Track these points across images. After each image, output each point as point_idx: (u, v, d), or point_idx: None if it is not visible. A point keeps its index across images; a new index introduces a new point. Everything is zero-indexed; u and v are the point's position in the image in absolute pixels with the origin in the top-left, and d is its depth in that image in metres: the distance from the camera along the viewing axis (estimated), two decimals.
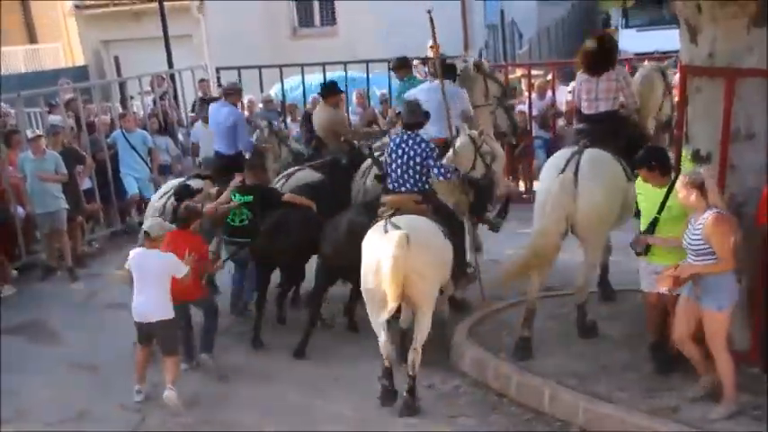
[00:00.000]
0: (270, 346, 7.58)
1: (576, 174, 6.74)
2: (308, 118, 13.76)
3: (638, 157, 6.16)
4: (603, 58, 7.52)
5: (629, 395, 5.87)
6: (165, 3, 15.78)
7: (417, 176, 6.95)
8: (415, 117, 7.12)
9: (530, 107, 12.77)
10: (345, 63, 13.86)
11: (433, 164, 6.96)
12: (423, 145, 6.96)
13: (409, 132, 7.04)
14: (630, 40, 22.46)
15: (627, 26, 24.14)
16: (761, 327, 5.89)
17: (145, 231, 6.79)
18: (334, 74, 14.16)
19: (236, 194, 7.97)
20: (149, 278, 6.55)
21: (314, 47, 18.27)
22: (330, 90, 9.89)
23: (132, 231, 12.07)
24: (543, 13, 25.98)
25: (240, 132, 9.20)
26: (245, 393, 6.80)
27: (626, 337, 6.83)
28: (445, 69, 8.82)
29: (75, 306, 9.22)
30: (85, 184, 11.26)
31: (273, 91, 15.13)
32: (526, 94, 13.18)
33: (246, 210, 7.89)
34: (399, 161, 6.98)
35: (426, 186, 7.05)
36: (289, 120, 14.06)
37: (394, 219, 6.41)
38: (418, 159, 6.92)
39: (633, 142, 7.15)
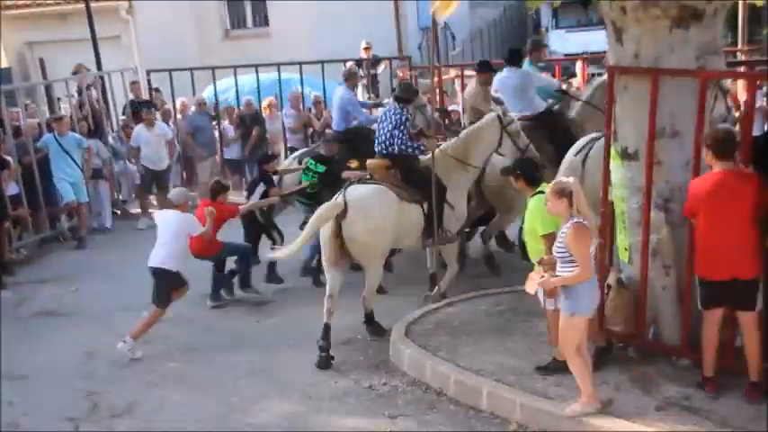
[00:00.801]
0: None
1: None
2: (243, 120, 13.71)
3: (507, 166, 6.76)
4: None
5: (565, 390, 5.95)
6: (92, 3, 15.43)
7: (389, 142, 8.04)
8: (405, 94, 8.35)
9: (463, 108, 12.86)
10: (279, 65, 13.79)
11: (397, 133, 7.99)
12: (397, 115, 8.05)
13: (396, 104, 8.17)
14: (560, 42, 22.90)
15: (557, 27, 24.60)
16: (689, 320, 6.04)
17: (168, 198, 8.40)
18: (268, 75, 14.11)
19: (313, 163, 9.22)
20: (167, 233, 7.75)
21: (246, 48, 18.13)
22: (482, 66, 10.39)
23: (64, 238, 11.82)
24: (476, 16, 26.22)
25: (354, 112, 10.97)
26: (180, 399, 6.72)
27: None
28: (512, 54, 9.83)
29: (2, 315, 8.95)
30: (12, 189, 10.94)
31: (206, 93, 14.98)
32: (460, 94, 13.28)
33: (317, 178, 9.09)
34: (382, 128, 8.13)
35: (403, 151, 8.03)
36: (225, 122, 13.94)
37: (351, 188, 7.50)
38: (390, 127, 8.01)
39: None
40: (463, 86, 13.10)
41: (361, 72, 14.72)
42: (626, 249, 6.45)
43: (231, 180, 13.93)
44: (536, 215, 6.18)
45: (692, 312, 6.01)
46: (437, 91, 13.33)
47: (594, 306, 5.70)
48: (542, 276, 5.65)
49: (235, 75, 13.85)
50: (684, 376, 5.99)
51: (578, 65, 13.30)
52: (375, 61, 14.75)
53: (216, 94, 14.28)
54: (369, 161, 8.20)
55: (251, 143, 13.50)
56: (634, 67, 6.09)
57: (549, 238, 5.92)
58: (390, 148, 8.06)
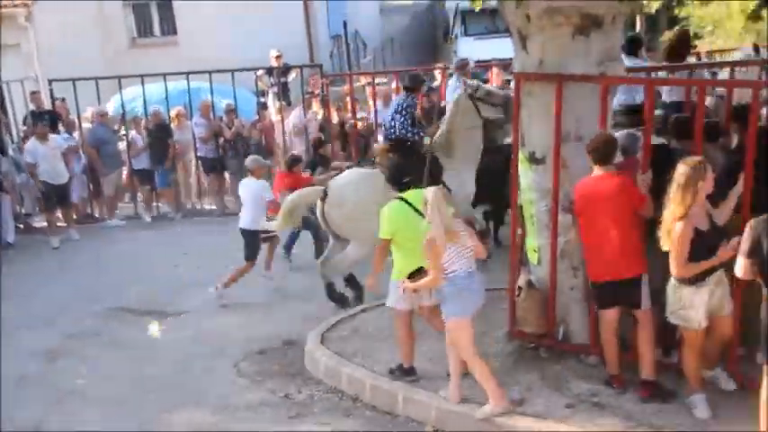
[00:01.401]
0: None
1: None
2: (151, 130, 13.42)
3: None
4: None
5: (479, 392, 5.98)
6: None
7: (390, 125, 8.84)
8: (411, 83, 9.07)
9: (375, 115, 12.94)
10: (188, 73, 13.57)
11: (398, 117, 8.70)
12: (401, 101, 8.88)
13: (404, 94, 9.00)
14: (469, 49, 23.23)
15: (466, 35, 24.96)
16: (596, 319, 6.20)
17: (245, 165, 9.45)
18: (176, 85, 13.87)
19: None
20: (248, 198, 8.96)
21: (154, 57, 17.76)
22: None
23: None
24: (386, 24, 26.44)
25: None
26: None
27: (477, 335, 6.98)
28: (631, 41, 9.45)
29: None
30: None
31: (112, 103, 14.62)
32: (371, 102, 13.35)
33: None
34: (389, 114, 9.05)
35: (402, 135, 8.67)
36: (133, 132, 13.62)
37: (341, 174, 8.42)
38: (393, 112, 8.85)
39: None
40: (374, 94, 13.18)
41: (271, 80, 14.65)
42: (535, 251, 6.58)
43: (142, 190, 13.68)
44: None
45: None
46: (349, 98, 13.44)
47: (468, 309, 5.75)
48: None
49: (142, 84, 13.55)
50: (593, 373, 6.14)
51: (494, 71, 13.49)
52: (286, 69, 14.68)
53: (123, 104, 13.94)
54: (374, 146, 9.07)
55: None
56: (539, 73, 6.24)
57: (381, 245, 6.30)
58: (391, 131, 8.79)
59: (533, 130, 6.40)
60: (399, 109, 8.78)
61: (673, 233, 5.13)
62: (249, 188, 9.08)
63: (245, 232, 8.97)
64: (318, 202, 8.14)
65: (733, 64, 10.03)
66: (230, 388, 6.82)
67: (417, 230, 5.77)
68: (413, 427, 5.97)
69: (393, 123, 8.78)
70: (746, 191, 5.51)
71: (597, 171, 5.75)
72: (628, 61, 9.10)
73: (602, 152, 5.74)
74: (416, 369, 6.38)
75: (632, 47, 9.25)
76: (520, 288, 6.57)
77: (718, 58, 14.23)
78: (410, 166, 7.77)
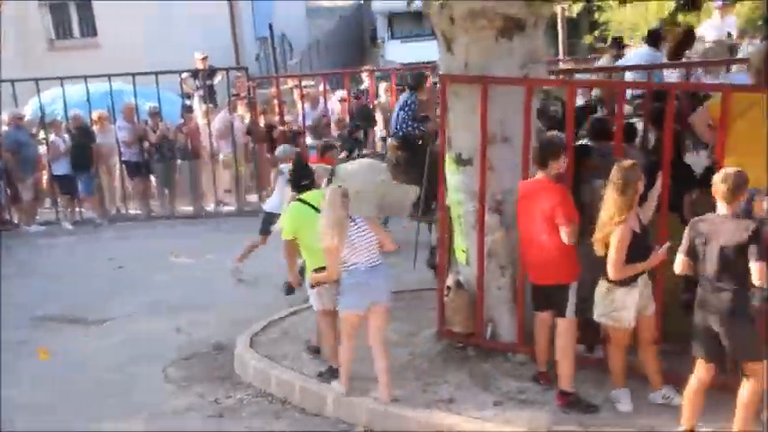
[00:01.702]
0: None
1: None
2: (73, 134, 13.07)
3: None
4: None
5: (408, 392, 6.07)
6: None
7: (396, 122, 9.68)
8: (414, 81, 10.03)
9: (303, 117, 12.91)
10: (110, 76, 13.27)
11: (401, 113, 9.59)
12: (404, 99, 9.81)
13: (408, 92, 9.91)
14: (396, 52, 23.39)
15: (392, 38, 25.11)
16: (523, 317, 6.31)
17: (276, 154, 9.98)
18: (98, 87, 13.55)
19: None
20: (283, 184, 8.57)
21: (74, 60, 17.28)
22: None
23: None
24: (313, 26, 26.40)
25: None
26: None
27: (405, 336, 7.05)
28: (652, 34, 10.04)
29: None
30: None
31: (30, 106, 14.19)
32: (299, 104, 13.31)
33: None
34: (395, 111, 9.88)
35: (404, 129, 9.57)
36: (52, 135, 13.25)
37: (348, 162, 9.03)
38: (397, 108, 9.80)
39: None
40: (302, 96, 13.13)
41: (197, 83, 14.45)
42: (464, 252, 6.66)
43: (62, 198, 13.32)
44: None
45: (525, 310, 6.29)
46: (276, 101, 13.36)
47: (362, 303, 5.87)
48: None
49: (62, 86, 13.20)
50: (521, 371, 6.24)
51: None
52: (211, 72, 14.51)
53: (41, 107, 13.55)
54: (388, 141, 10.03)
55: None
56: (464, 75, 6.31)
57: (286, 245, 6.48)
58: (396, 127, 9.68)
59: (460, 131, 6.47)
60: (403, 106, 9.70)
61: (612, 236, 5.18)
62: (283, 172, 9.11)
63: (268, 214, 9.17)
64: (324, 182, 7.98)
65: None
66: (157, 394, 6.70)
67: (315, 230, 5.93)
68: (343, 428, 5.97)
69: (397, 119, 9.71)
70: (664, 190, 5.68)
71: (537, 174, 5.75)
72: (651, 53, 9.30)
73: (537, 154, 5.73)
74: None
75: (654, 40, 9.42)
76: (448, 288, 6.64)
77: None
78: (415, 161, 8.96)
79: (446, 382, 6.16)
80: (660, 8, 18.91)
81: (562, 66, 14.58)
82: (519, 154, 6.20)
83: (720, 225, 4.78)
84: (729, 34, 11.41)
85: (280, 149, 9.86)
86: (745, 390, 4.87)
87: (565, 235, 5.46)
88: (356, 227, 5.86)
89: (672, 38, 9.12)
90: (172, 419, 6.27)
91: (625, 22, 20.32)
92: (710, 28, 13.13)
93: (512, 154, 6.27)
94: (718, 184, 4.77)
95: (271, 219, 8.95)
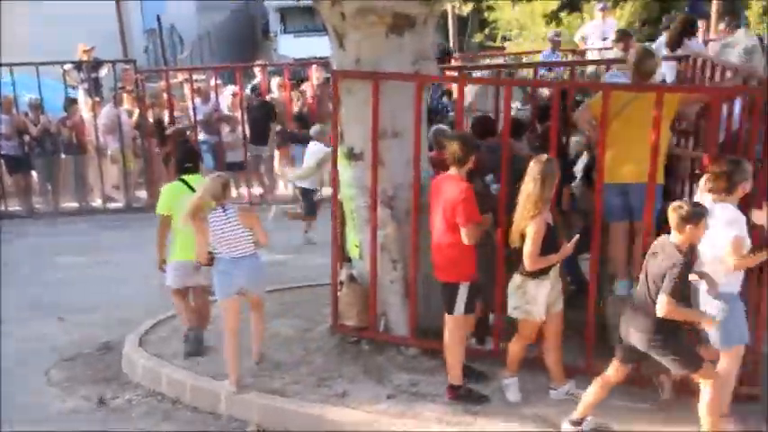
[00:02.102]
0: None
1: None
2: None
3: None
4: None
5: (302, 387, 6.06)
6: None
7: None
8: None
9: (194, 111, 12.66)
10: None
11: None
12: None
13: None
14: (289, 46, 23.25)
15: (285, 32, 24.94)
16: (415, 311, 6.40)
17: (311, 132, 10.31)
18: None
19: None
20: (311, 162, 9.86)
21: None
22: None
23: None
24: (203, 19, 25.90)
25: None
26: None
27: (300, 332, 7.05)
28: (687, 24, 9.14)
29: None
30: None
31: None
32: (190, 98, 13.03)
33: None
34: None
35: None
36: None
37: None
38: None
39: None
40: (192, 90, 12.86)
41: (81, 75, 13.96)
42: (356, 246, 6.70)
43: None
44: None
45: (417, 303, 6.38)
46: (165, 95, 13.06)
47: (223, 292, 6.07)
48: None
49: None
50: (413, 364, 6.32)
51: (314, 69, 13.54)
52: (96, 64, 14.03)
53: None
54: None
55: None
56: (356, 71, 6.34)
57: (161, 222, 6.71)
58: None
59: (352, 126, 6.49)
60: None
61: (528, 229, 5.28)
62: (315, 153, 9.83)
63: (305, 191, 10.21)
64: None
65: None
66: (41, 398, 6.46)
67: None
68: (236, 426, 5.90)
69: None
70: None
71: (451, 170, 5.69)
72: (689, 44, 9.37)
73: (457, 152, 5.60)
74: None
75: (689, 30, 9.47)
76: (341, 283, 6.67)
77: (524, 60, 15.03)
78: None
79: (340, 377, 6.19)
80: (545, 8, 19.56)
81: (453, 63, 14.81)
82: (410, 149, 6.27)
83: (661, 250, 4.88)
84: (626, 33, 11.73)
85: (316, 128, 10.33)
86: (704, 397, 4.95)
87: (464, 234, 5.47)
88: (225, 217, 5.94)
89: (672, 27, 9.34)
90: (56, 423, 6.06)
91: (513, 21, 20.85)
92: (593, 28, 13.66)
93: (403, 149, 6.34)
94: (670, 212, 4.80)
95: (311, 197, 10.33)
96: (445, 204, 5.53)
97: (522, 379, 5.80)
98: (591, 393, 5.22)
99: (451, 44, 18.71)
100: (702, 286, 5.10)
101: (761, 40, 8.90)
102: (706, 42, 11.08)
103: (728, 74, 6.70)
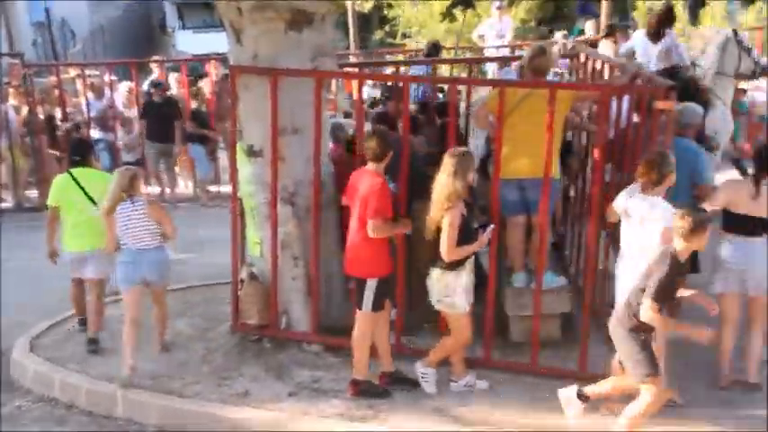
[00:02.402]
0: None
1: None
2: None
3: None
4: None
5: (202, 387, 5.97)
6: None
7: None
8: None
9: (87, 107, 12.28)
10: None
11: None
12: None
13: None
14: (188, 42, 22.86)
15: (183, 28, 24.50)
16: (317, 308, 6.40)
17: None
18: None
19: None
20: None
21: None
22: None
23: None
24: (95, 12, 25.15)
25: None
26: None
27: (200, 331, 6.94)
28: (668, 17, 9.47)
29: None
30: None
31: None
32: (83, 94, 12.62)
33: None
34: None
35: None
36: None
37: None
38: None
39: None
40: (85, 85, 12.46)
41: None
42: (257, 244, 6.64)
43: None
44: None
45: (319, 300, 6.39)
46: (56, 91, 12.60)
47: (125, 280, 6.21)
48: None
49: None
50: (315, 361, 6.31)
51: (213, 65, 13.31)
52: None
53: None
54: None
55: None
56: (254, 66, 6.28)
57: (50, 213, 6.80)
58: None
59: (250, 123, 6.44)
60: None
61: (444, 220, 5.33)
62: None
63: None
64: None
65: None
66: None
67: (77, 205, 6.58)
68: (134, 428, 5.77)
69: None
70: None
71: (369, 165, 5.67)
72: (672, 33, 9.45)
73: (371, 148, 5.61)
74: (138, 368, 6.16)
75: (670, 19, 9.47)
76: (242, 281, 6.60)
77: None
78: None
79: (241, 376, 6.12)
80: (443, 6, 19.86)
81: (353, 59, 14.87)
82: (310, 145, 6.25)
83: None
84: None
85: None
86: (640, 402, 4.98)
87: (369, 227, 5.46)
88: (132, 208, 6.09)
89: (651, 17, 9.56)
90: None
91: (413, 19, 21.08)
92: (489, 26, 13.93)
93: (302, 145, 6.32)
94: (677, 221, 4.79)
95: None
96: (360, 199, 5.56)
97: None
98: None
99: (352, 41, 18.76)
100: (623, 277, 5.32)
101: (735, 33, 9.27)
102: (595, 42, 11.46)
103: (617, 72, 6.94)
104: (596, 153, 5.94)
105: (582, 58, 8.16)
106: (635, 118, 6.27)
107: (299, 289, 6.51)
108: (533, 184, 5.99)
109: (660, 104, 5.55)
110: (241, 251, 6.80)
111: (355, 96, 6.62)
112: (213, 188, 12.43)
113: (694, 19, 15.37)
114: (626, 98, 6.43)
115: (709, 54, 9.26)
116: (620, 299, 5.25)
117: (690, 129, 6.33)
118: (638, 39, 9.51)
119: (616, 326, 5.01)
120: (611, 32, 11.26)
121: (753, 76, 9.32)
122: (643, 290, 4.79)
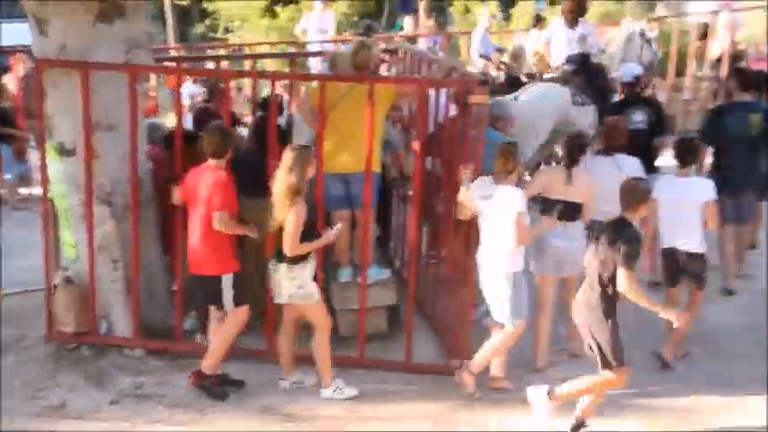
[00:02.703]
0: None
1: None
2: None
3: None
4: None
5: (15, 401, 5.62)
6: None
7: None
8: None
9: None
10: None
11: None
12: None
13: None
14: None
15: None
16: (138, 310, 6.18)
17: None
18: None
19: None
20: None
21: None
22: None
23: None
24: None
25: None
26: None
27: (11, 341, 6.46)
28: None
29: None
30: None
31: None
32: None
33: None
34: None
35: None
36: None
37: None
38: None
39: None
40: None
41: None
42: (73, 246, 6.34)
43: None
44: None
45: (140, 302, 6.18)
46: None
47: None
48: None
49: None
50: (138, 366, 6.10)
51: (19, 57, 12.49)
52: None
53: None
54: None
55: None
56: (62, 60, 5.96)
57: None
58: None
59: (60, 119, 6.12)
60: None
61: (289, 217, 5.24)
62: None
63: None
64: None
65: None
66: None
67: None
68: None
69: None
70: None
71: (210, 161, 5.57)
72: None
73: (217, 145, 5.54)
74: None
75: (584, 7, 9.71)
76: (56, 286, 6.28)
77: (247, 51, 15.00)
78: None
79: (57, 386, 5.82)
80: (265, 3, 19.75)
81: (173, 53, 14.46)
82: (126, 142, 6.02)
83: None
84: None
85: None
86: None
87: (215, 219, 5.42)
88: None
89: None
90: None
91: (234, 13, 20.80)
92: (311, 22, 13.97)
93: (118, 142, 6.09)
94: (625, 191, 4.97)
95: None
96: (203, 195, 5.48)
97: (249, 372, 5.83)
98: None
99: (171, 34, 18.25)
100: (486, 264, 5.54)
101: (642, 32, 9.81)
102: (414, 38, 11.76)
103: (434, 66, 7.13)
104: (416, 146, 6.08)
105: (401, 54, 8.34)
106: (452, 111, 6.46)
107: (119, 291, 6.27)
108: (356, 178, 6.05)
109: (473, 98, 5.74)
110: (55, 255, 6.44)
111: (175, 94, 6.42)
112: (24, 190, 11.71)
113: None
114: (443, 92, 6.61)
115: (616, 43, 9.94)
116: (486, 288, 5.54)
117: (501, 121, 6.61)
118: (556, 26, 9.98)
119: (588, 313, 5.02)
120: (538, 22, 11.95)
121: (651, 66, 9.97)
122: (601, 266, 4.88)
